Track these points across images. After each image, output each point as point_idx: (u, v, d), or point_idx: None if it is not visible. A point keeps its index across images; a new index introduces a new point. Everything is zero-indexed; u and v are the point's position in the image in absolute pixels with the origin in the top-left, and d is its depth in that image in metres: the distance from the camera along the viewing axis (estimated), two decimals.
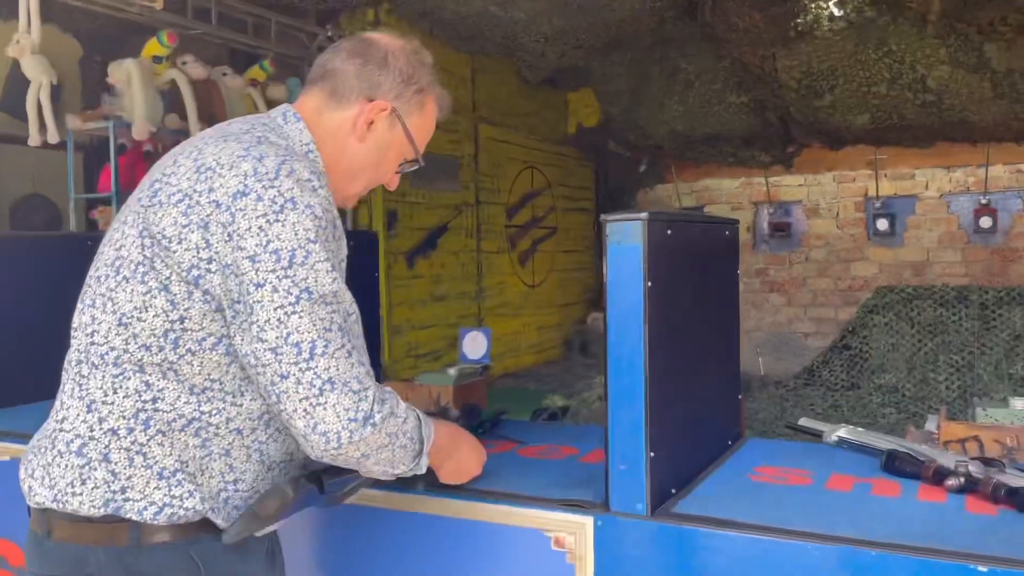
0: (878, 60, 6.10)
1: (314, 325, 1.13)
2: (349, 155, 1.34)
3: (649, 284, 1.36)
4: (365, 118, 1.33)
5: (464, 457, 1.49)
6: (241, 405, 1.21)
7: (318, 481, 1.28)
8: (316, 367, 1.12)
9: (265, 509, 1.20)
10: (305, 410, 1.12)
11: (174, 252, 1.16)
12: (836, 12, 5.94)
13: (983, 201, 6.94)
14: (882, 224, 7.28)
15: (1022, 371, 5.56)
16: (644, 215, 1.36)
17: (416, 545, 1.54)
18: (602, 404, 5.12)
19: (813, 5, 5.87)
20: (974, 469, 1.44)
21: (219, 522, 1.19)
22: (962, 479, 1.43)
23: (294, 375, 1.12)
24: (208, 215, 1.15)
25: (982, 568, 1.15)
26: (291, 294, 1.12)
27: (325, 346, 1.13)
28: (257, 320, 1.13)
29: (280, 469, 1.27)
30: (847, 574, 1.23)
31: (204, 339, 1.17)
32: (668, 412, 1.44)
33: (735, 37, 6.04)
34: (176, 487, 1.17)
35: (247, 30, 4.63)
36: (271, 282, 1.12)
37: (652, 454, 1.38)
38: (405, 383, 3.28)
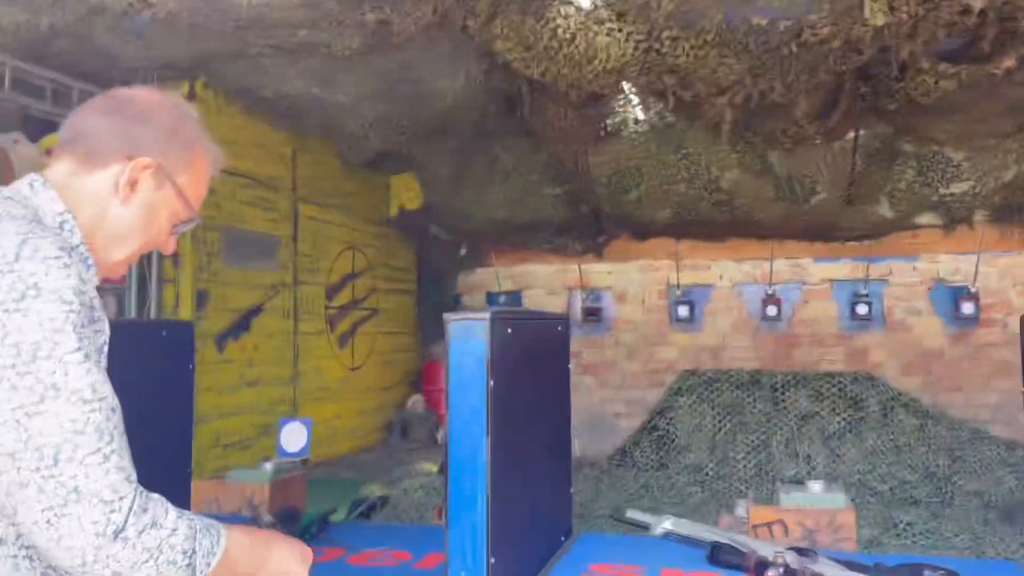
0: (678, 161, 6.65)
1: (61, 427, 1.00)
2: (111, 220, 1.20)
3: (492, 384, 1.35)
4: (127, 178, 1.19)
5: (280, 566, 1.32)
6: None
7: None
8: (60, 475, 0.99)
9: None
10: (48, 521, 0.98)
11: None
12: (640, 116, 6.44)
13: (769, 291, 7.64)
14: (683, 311, 7.80)
15: (808, 449, 6.06)
16: (487, 314, 1.36)
17: None
18: (423, 494, 4.97)
19: (621, 108, 6.33)
20: (791, 560, 1.52)
21: None
22: (781, 570, 1.50)
23: (35, 483, 0.98)
24: None
25: None
26: (34, 392, 0.99)
27: (73, 450, 1.00)
28: None
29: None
30: None
31: None
32: (508, 516, 1.41)
33: (551, 133, 6.37)
34: None
35: (45, 96, 4.30)
36: (9, 379, 0.99)
37: (492, 560, 1.35)
38: (216, 481, 3.03)
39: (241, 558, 1.22)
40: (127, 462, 1.06)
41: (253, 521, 1.69)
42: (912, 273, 7.44)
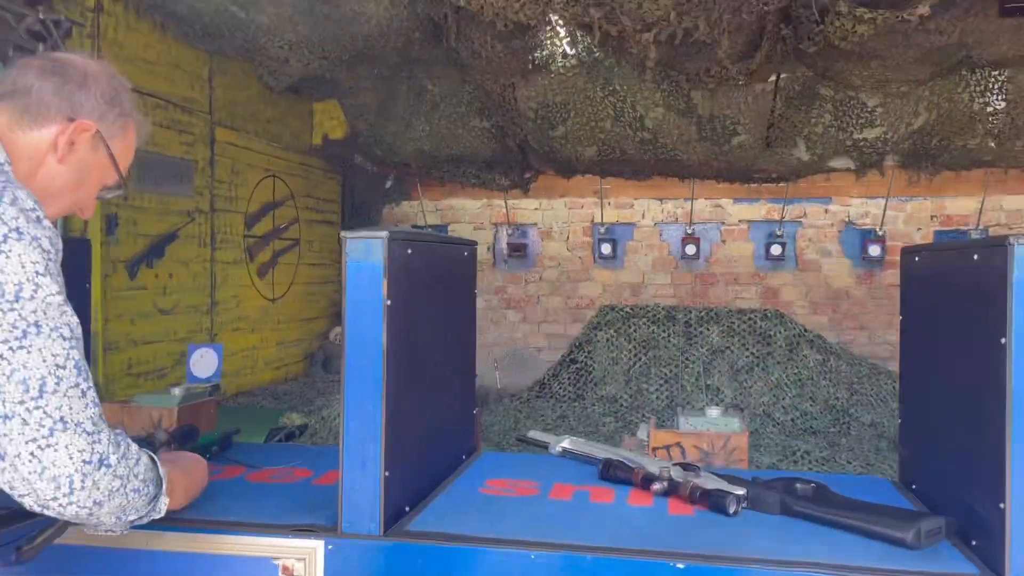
0: (604, 98, 6.65)
1: (44, 361, 1.03)
2: (46, 176, 1.25)
3: (388, 303, 1.37)
4: (67, 139, 1.25)
5: (194, 480, 1.45)
6: None
7: None
8: (46, 406, 1.02)
9: None
10: (32, 453, 1.01)
11: None
12: (568, 50, 6.40)
13: (688, 231, 7.82)
14: (606, 248, 7.93)
15: (717, 382, 6.32)
16: (384, 233, 1.37)
17: None
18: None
19: (549, 41, 6.28)
20: (675, 474, 1.61)
21: None
22: (665, 483, 1.59)
23: (19, 415, 1.01)
24: None
25: (680, 565, 1.28)
26: (16, 328, 1.03)
27: (56, 383, 1.04)
28: None
29: None
30: None
31: None
32: (405, 431, 1.45)
33: (478, 64, 6.28)
34: None
35: None
36: None
37: (387, 473, 1.39)
38: (121, 405, 2.99)
39: (174, 480, 1.33)
40: (98, 399, 1.12)
41: (148, 438, 1.69)
42: (824, 216, 7.72)
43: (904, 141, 6.92)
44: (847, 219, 7.70)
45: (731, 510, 1.47)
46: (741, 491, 1.50)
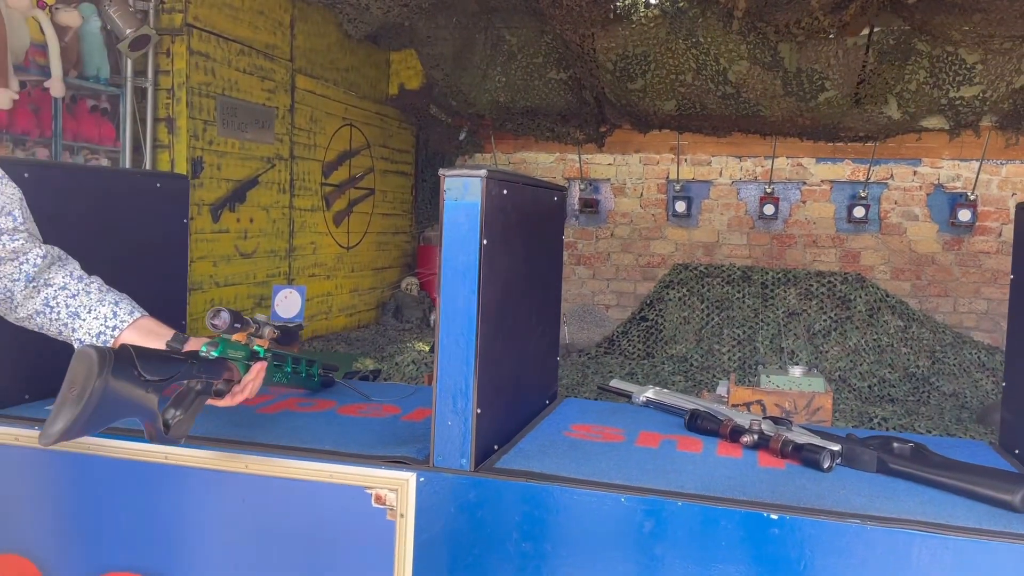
0: (686, 50, 6.47)
1: None
2: None
3: (485, 242, 1.37)
4: None
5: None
6: None
7: (129, 359, 1.13)
8: None
9: (75, 383, 1.06)
10: None
11: None
12: (651, 0, 6.23)
13: (768, 190, 7.61)
14: (680, 206, 7.78)
15: (793, 345, 6.19)
16: (483, 172, 1.36)
17: (231, 505, 1.47)
18: (415, 368, 5.08)
19: None
20: (766, 427, 1.58)
21: None
22: (755, 436, 1.57)
23: None
24: None
25: (773, 516, 1.26)
26: None
27: None
28: None
29: None
30: (656, 522, 1.31)
31: None
32: (496, 370, 1.46)
33: (557, 13, 6.17)
34: None
35: None
36: None
37: (479, 411, 1.40)
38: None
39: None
40: None
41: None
42: (912, 177, 7.40)
43: (1004, 101, 6.55)
44: (936, 182, 7.37)
45: (825, 465, 1.44)
46: (835, 447, 1.47)
